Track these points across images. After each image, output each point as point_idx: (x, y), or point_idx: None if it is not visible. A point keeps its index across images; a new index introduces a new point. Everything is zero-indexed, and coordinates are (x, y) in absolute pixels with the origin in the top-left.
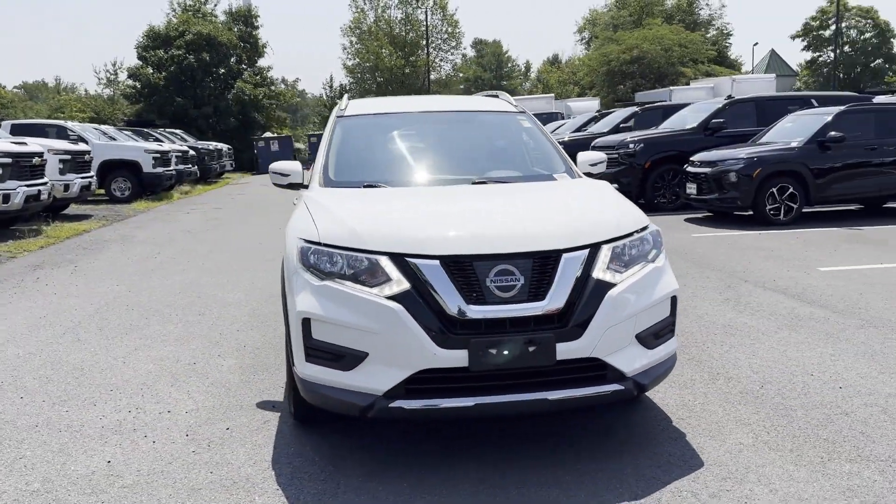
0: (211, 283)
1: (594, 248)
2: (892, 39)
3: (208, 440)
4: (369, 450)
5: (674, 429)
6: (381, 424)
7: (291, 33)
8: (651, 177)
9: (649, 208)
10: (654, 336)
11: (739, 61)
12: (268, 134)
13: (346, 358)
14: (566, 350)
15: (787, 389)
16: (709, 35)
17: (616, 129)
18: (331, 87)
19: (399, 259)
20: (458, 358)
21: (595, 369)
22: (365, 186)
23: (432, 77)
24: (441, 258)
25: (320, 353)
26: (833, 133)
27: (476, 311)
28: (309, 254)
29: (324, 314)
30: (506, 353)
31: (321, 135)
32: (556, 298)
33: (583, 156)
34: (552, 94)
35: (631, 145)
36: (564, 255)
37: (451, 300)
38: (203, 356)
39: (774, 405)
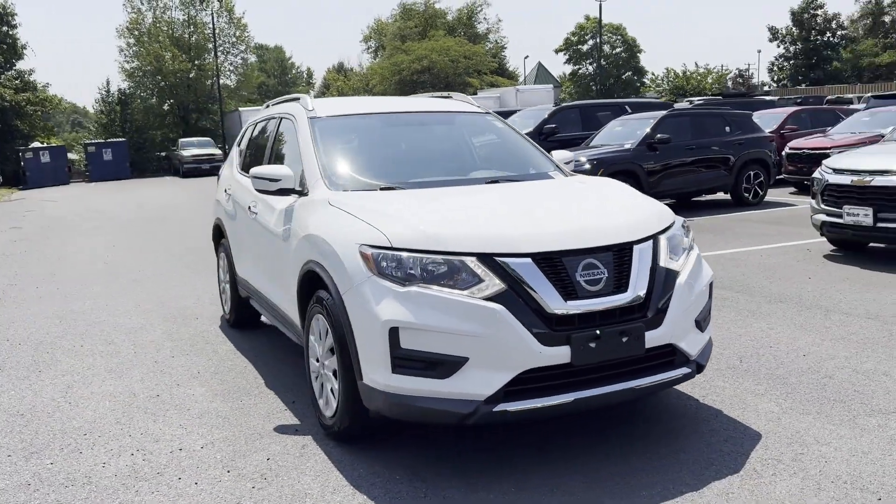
0: (92, 309)
1: (655, 238)
2: (638, 54)
3: (259, 473)
4: (444, 459)
5: (707, 407)
6: (416, 432)
7: (57, 34)
8: None
9: None
10: (704, 319)
11: (517, 72)
12: (36, 144)
13: (442, 365)
14: (651, 338)
15: (765, 361)
16: (488, 47)
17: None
18: (108, 91)
19: (488, 259)
20: (561, 355)
21: (668, 355)
22: (381, 189)
23: (222, 82)
24: (533, 256)
25: (411, 362)
26: (660, 135)
27: (573, 307)
28: (381, 260)
29: (416, 321)
30: (605, 346)
31: (106, 143)
32: (637, 288)
33: (558, 154)
34: None
35: None
36: (636, 247)
37: (549, 297)
38: (161, 387)
39: (767, 376)
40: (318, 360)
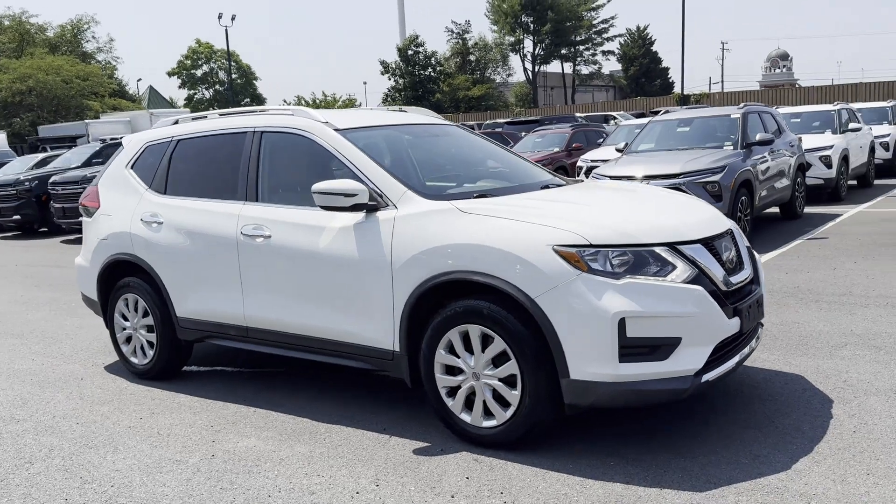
0: None
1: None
2: (254, 81)
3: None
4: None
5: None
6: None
7: None
8: None
9: None
10: None
11: (141, 96)
12: None
13: (661, 348)
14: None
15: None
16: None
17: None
18: None
19: (672, 248)
20: (735, 325)
21: None
22: (477, 196)
23: None
24: (701, 241)
25: (636, 349)
26: None
27: (733, 282)
28: (588, 257)
29: (641, 310)
30: (752, 314)
31: None
32: (749, 266)
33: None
34: None
35: (26, 182)
36: (734, 230)
37: (720, 275)
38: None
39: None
40: (454, 375)
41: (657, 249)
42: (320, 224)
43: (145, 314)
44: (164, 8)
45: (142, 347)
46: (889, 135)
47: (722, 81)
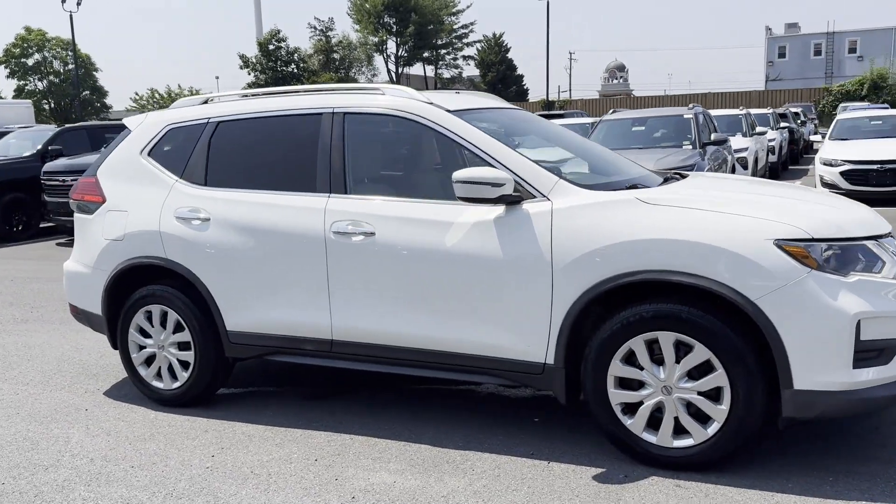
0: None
1: None
2: (94, 73)
3: None
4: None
5: None
6: None
7: None
8: None
9: (7, 238)
10: None
11: None
12: None
13: (885, 351)
14: None
15: None
16: None
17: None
18: None
19: (876, 241)
20: None
21: None
22: (628, 188)
23: None
24: (890, 234)
25: (868, 353)
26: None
27: None
28: (815, 253)
29: (874, 310)
30: None
31: None
32: None
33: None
34: None
35: None
36: None
37: None
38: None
39: None
40: (633, 390)
41: (867, 243)
42: (446, 219)
43: (177, 329)
44: None
45: (170, 369)
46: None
47: (570, 90)
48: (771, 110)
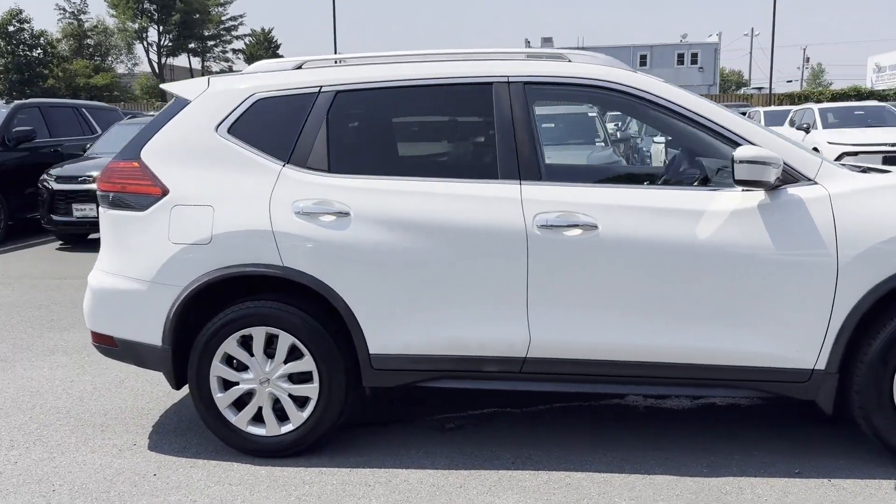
0: None
1: None
2: None
3: None
4: None
5: None
6: None
7: None
8: None
9: None
10: None
11: None
12: None
13: None
14: None
15: None
16: None
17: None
18: None
19: None
20: None
21: None
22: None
23: None
24: None
25: None
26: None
27: None
28: None
29: None
30: None
31: None
32: None
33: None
34: None
35: None
36: None
37: None
38: None
39: None
40: None
41: None
42: (695, 207)
43: (292, 356)
44: None
45: (276, 409)
46: None
47: None
48: None
